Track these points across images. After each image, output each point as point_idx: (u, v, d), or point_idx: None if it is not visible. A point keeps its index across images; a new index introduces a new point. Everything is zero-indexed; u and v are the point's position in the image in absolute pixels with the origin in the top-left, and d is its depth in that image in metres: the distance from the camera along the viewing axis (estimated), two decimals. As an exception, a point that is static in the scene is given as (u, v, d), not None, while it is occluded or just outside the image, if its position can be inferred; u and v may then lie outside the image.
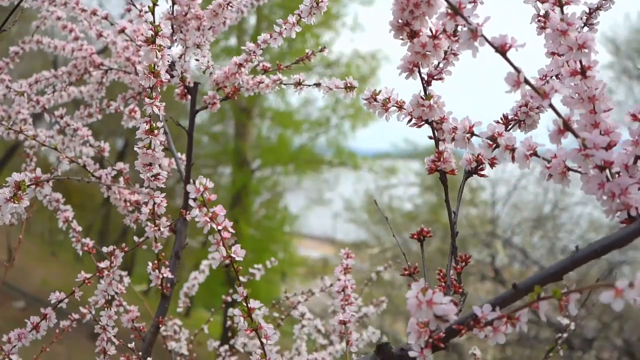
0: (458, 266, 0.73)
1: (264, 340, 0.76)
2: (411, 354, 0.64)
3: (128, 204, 1.15)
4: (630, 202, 0.59)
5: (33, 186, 0.79)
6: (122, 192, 1.13)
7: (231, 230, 0.74)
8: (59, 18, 1.32)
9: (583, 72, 0.63)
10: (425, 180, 11.32)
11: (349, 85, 0.98)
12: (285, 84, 1.10)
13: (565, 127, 0.61)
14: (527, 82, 0.59)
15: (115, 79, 1.38)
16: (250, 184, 11.61)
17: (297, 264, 11.31)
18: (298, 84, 1.08)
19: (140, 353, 1.08)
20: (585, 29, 0.84)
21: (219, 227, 0.73)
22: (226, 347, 1.50)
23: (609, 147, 0.62)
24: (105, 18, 1.19)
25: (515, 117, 0.80)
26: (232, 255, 0.75)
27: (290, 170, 12.18)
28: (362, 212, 10.82)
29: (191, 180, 0.69)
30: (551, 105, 0.60)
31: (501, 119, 0.81)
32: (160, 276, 1.09)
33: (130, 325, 1.13)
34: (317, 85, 1.04)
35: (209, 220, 0.72)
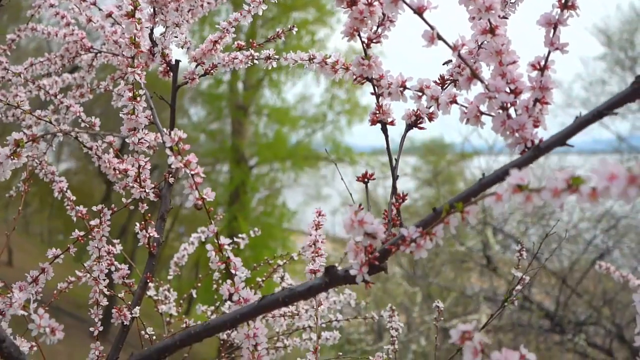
0: (397, 203, 0.84)
1: (233, 271, 0.87)
2: (351, 271, 0.76)
3: (117, 172, 1.26)
4: (526, 136, 0.70)
5: (30, 142, 0.91)
6: (111, 162, 1.24)
7: (202, 175, 0.85)
8: (52, 5, 1.43)
9: (492, 30, 0.75)
10: (422, 174, 11.45)
11: (311, 57, 1.09)
12: (256, 59, 1.22)
13: (473, 75, 0.72)
14: (439, 37, 0.71)
15: (104, 61, 1.49)
16: (248, 181, 11.72)
17: (296, 261, 11.36)
18: (268, 58, 1.20)
19: (129, 303, 1.19)
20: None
21: (192, 172, 0.84)
22: (212, 308, 1.62)
23: (515, 93, 0.74)
24: (94, 4, 1.30)
25: (451, 77, 0.92)
26: (204, 196, 0.86)
27: (288, 167, 12.28)
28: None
29: (166, 131, 0.80)
30: (460, 56, 0.71)
31: (438, 78, 0.92)
32: (147, 235, 1.21)
33: (120, 281, 1.25)
34: (285, 58, 1.15)
35: (183, 166, 0.84)
